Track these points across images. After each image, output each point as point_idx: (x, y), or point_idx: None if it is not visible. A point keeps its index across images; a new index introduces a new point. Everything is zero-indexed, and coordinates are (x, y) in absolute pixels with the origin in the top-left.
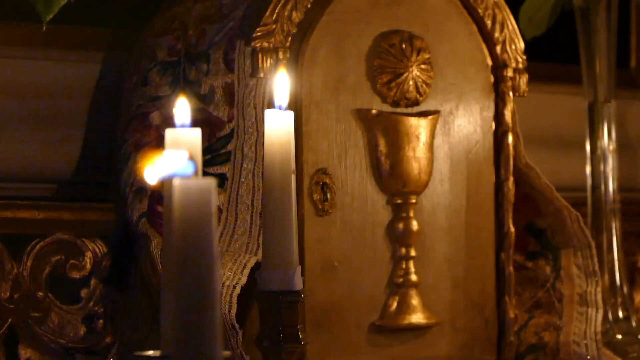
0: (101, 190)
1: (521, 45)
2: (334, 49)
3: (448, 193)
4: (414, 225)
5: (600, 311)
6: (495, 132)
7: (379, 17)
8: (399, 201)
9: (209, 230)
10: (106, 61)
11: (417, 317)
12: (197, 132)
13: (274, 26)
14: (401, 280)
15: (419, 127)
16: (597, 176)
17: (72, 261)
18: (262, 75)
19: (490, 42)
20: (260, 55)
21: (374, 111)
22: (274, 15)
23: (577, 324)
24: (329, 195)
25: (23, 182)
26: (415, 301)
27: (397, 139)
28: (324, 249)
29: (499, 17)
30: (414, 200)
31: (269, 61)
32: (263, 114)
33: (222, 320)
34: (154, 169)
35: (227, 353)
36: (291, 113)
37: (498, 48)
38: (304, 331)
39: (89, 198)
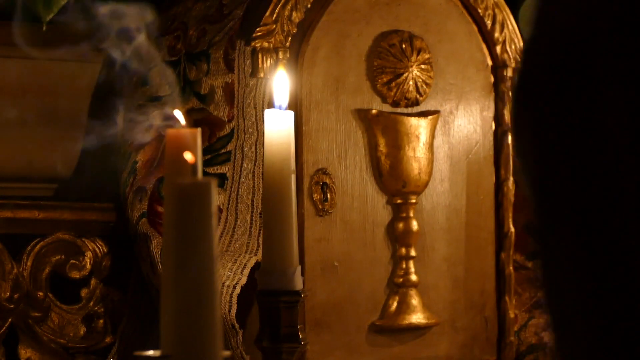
0: (101, 190)
1: (521, 45)
2: (334, 49)
3: (448, 193)
4: (414, 225)
5: None
6: (495, 132)
7: (379, 17)
8: (399, 201)
9: (208, 230)
10: (106, 61)
11: (417, 317)
12: (197, 132)
13: (274, 26)
14: (401, 280)
15: (419, 127)
16: None
17: (72, 261)
18: (262, 75)
19: (490, 42)
20: (260, 55)
21: (374, 111)
22: (274, 15)
23: None
24: (329, 195)
25: (23, 182)
26: (415, 301)
27: (397, 139)
28: (324, 249)
29: (499, 17)
30: (414, 200)
31: (269, 61)
32: (263, 114)
33: (222, 320)
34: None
35: (227, 353)
36: (291, 113)
37: (498, 48)
38: (304, 331)
39: (89, 198)
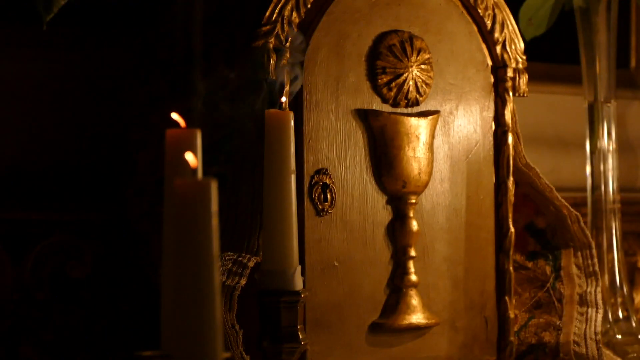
0: (101, 190)
1: (521, 45)
2: (334, 49)
3: (448, 193)
4: (414, 225)
5: (600, 311)
6: (495, 132)
7: (379, 17)
8: (399, 201)
9: (208, 230)
10: (106, 61)
11: (417, 317)
12: (197, 132)
13: (274, 26)
14: (401, 280)
15: (419, 127)
16: (597, 176)
17: (72, 261)
18: (262, 75)
19: (490, 42)
20: (260, 55)
21: (373, 111)
22: (274, 15)
23: (577, 324)
24: (329, 195)
25: (25, 182)
26: (415, 301)
27: (397, 139)
28: (324, 249)
29: (499, 17)
30: (414, 200)
31: (269, 61)
32: (263, 114)
33: (222, 320)
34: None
35: (226, 354)
36: (291, 113)
37: (498, 48)
38: (304, 331)
39: (89, 198)
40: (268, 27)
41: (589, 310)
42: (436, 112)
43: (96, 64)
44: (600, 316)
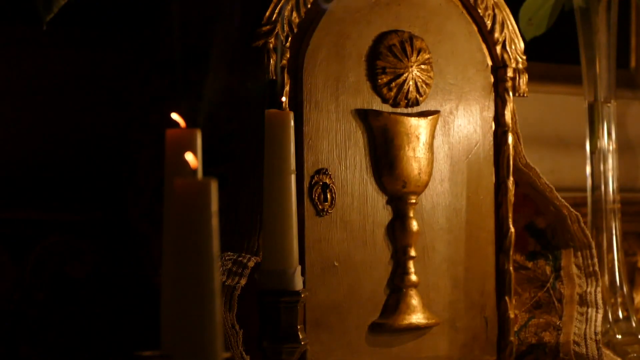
0: (101, 190)
1: (521, 45)
2: (334, 49)
3: (448, 193)
4: (414, 225)
5: (600, 311)
6: (495, 132)
7: (379, 17)
8: (399, 201)
9: (209, 230)
10: (106, 61)
11: (417, 317)
12: (197, 132)
13: (274, 26)
14: (401, 280)
15: (419, 127)
16: (597, 176)
17: (72, 261)
18: (262, 75)
19: (490, 42)
20: (260, 55)
21: (373, 111)
22: (274, 15)
23: (577, 324)
24: (329, 196)
25: (24, 182)
26: (415, 301)
27: (397, 139)
28: (324, 249)
29: (499, 17)
30: (414, 200)
31: (269, 61)
32: (263, 114)
33: (222, 320)
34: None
35: (226, 354)
36: (291, 113)
37: (498, 48)
38: (304, 331)
39: (89, 198)
40: (268, 27)
41: (589, 310)
42: (436, 112)
43: (96, 64)
44: (600, 316)
